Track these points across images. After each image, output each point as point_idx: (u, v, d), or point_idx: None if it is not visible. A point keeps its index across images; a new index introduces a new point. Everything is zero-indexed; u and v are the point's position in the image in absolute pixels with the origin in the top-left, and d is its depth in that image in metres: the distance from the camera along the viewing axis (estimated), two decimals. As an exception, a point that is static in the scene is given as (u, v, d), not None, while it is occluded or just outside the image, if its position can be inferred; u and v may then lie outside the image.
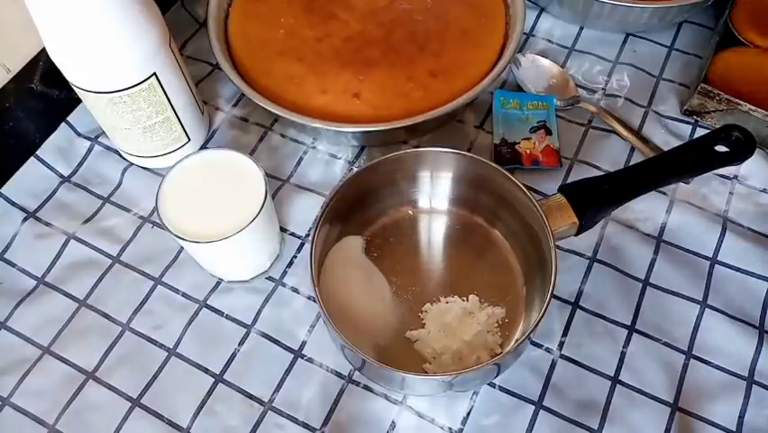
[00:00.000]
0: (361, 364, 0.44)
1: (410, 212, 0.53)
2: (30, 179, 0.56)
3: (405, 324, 0.48)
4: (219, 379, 0.48)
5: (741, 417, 0.45)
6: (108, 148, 0.58)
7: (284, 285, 0.51)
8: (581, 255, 0.52)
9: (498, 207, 0.50)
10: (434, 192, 0.52)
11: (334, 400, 0.47)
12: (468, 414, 0.46)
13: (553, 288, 0.42)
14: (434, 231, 0.53)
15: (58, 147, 0.57)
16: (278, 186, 0.56)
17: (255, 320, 0.50)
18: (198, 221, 0.44)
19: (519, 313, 0.48)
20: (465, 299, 0.48)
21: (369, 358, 0.40)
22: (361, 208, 0.51)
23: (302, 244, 0.53)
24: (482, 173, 0.48)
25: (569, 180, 0.56)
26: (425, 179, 0.51)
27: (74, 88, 0.49)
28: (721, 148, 0.46)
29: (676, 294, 0.50)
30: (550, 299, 0.41)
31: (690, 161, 0.47)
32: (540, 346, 0.48)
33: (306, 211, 0.54)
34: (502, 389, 0.47)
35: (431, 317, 0.48)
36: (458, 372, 0.42)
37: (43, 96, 0.57)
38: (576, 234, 0.46)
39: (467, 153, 0.48)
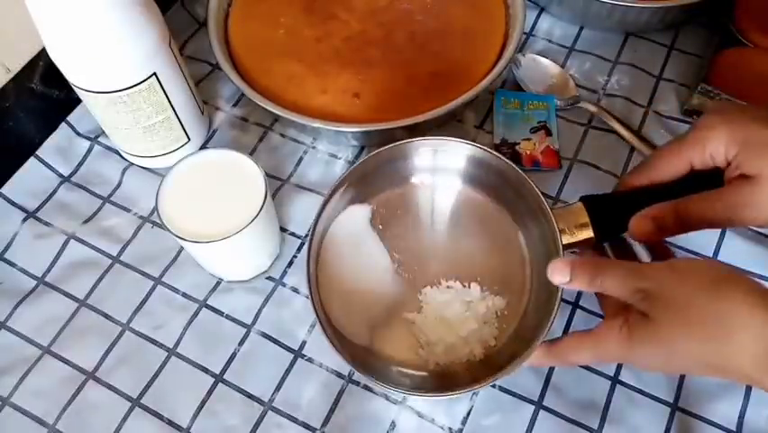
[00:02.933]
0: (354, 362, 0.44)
1: (420, 182, 0.51)
2: (30, 179, 0.56)
3: (403, 303, 0.48)
4: (219, 379, 0.48)
5: (741, 417, 0.45)
6: (108, 148, 0.58)
7: (284, 285, 0.51)
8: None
9: (518, 201, 0.48)
10: (452, 173, 0.51)
11: (334, 401, 0.47)
12: (468, 414, 0.46)
13: (562, 293, 0.41)
14: (445, 209, 0.52)
15: (58, 147, 0.57)
16: (278, 186, 0.56)
17: (255, 320, 0.50)
18: (198, 221, 0.44)
19: (519, 307, 0.47)
20: (467, 285, 0.48)
21: (360, 370, 0.41)
22: (372, 179, 0.50)
23: (302, 244, 0.53)
24: (507, 173, 0.47)
25: (568, 180, 0.55)
26: (443, 165, 0.50)
27: (74, 88, 0.49)
28: None
29: (676, 294, 0.50)
30: (559, 304, 0.41)
31: None
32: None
33: (306, 211, 0.54)
34: (502, 389, 0.47)
35: (430, 302, 0.47)
36: (460, 391, 0.42)
37: (43, 96, 0.57)
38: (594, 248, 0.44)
39: (493, 152, 0.47)
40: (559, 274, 0.37)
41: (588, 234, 0.42)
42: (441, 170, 0.51)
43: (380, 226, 0.50)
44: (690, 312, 0.32)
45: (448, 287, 0.48)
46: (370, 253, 0.49)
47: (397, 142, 0.48)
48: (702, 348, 0.32)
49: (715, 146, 0.35)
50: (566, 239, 0.42)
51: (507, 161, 0.47)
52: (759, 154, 0.33)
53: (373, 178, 0.50)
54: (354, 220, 0.50)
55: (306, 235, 0.53)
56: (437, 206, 0.52)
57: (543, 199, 0.44)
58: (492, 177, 0.49)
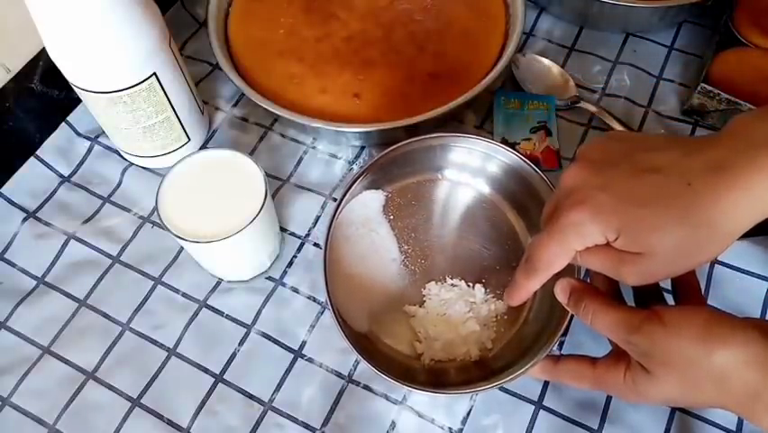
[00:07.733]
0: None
1: (439, 176, 0.52)
2: (30, 179, 0.56)
3: (405, 295, 0.48)
4: (219, 379, 0.48)
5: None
6: (108, 148, 0.58)
7: (284, 285, 0.51)
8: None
9: (536, 211, 0.48)
10: (474, 173, 0.51)
11: (334, 401, 0.47)
12: (468, 414, 0.46)
13: (569, 317, 0.42)
14: (460, 208, 0.52)
15: (58, 147, 0.57)
16: (278, 186, 0.56)
17: (255, 320, 0.50)
18: (198, 221, 0.44)
19: (520, 314, 0.48)
20: (471, 286, 0.48)
21: (368, 364, 0.40)
22: (392, 168, 0.50)
23: (302, 244, 0.53)
24: (523, 174, 0.48)
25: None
26: (467, 163, 0.50)
27: (74, 88, 0.49)
28: None
29: (676, 294, 0.50)
30: (565, 329, 0.41)
31: None
32: (540, 346, 0.48)
33: (306, 211, 0.54)
34: (502, 389, 0.47)
35: (433, 298, 0.47)
36: (463, 390, 0.43)
37: (43, 96, 0.57)
38: None
39: (517, 153, 0.47)
40: (561, 293, 0.39)
41: None
42: (464, 168, 0.51)
43: (392, 216, 0.50)
44: (687, 370, 0.33)
45: (452, 285, 0.48)
46: (378, 240, 0.49)
47: (424, 136, 0.48)
48: (704, 397, 0.34)
49: (592, 240, 0.34)
50: None
51: (535, 167, 0.47)
52: (637, 237, 0.33)
53: (394, 167, 0.50)
54: (367, 205, 0.50)
55: (307, 236, 0.53)
56: (453, 204, 0.52)
57: None
58: (514, 183, 0.49)
